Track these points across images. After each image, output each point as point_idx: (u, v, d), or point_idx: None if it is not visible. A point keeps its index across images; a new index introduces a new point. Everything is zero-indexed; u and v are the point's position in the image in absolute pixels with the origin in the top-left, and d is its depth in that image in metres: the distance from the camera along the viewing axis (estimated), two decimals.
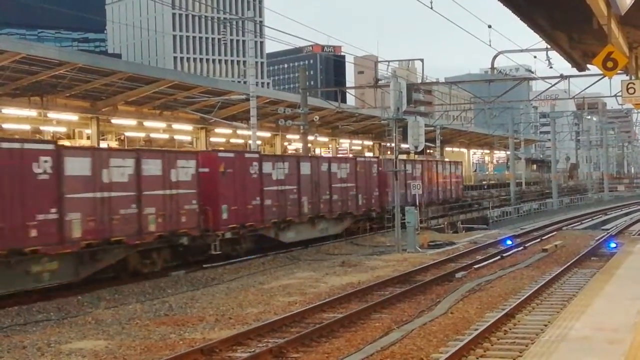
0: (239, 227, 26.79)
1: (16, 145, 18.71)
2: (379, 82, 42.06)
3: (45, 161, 18.90)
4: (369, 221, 37.24)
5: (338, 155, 45.65)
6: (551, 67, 37.92)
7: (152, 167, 22.65)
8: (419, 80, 63.84)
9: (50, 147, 19.70)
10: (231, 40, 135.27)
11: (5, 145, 18.33)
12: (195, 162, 24.68)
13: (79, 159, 20.08)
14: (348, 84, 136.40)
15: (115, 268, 22.05)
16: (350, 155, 44.21)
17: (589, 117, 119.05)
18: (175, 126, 45.38)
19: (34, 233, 18.38)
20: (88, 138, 39.65)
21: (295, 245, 30.65)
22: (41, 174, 18.75)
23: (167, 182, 23.13)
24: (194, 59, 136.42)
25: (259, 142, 44.93)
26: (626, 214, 58.54)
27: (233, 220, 26.34)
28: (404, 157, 49.81)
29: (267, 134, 53.17)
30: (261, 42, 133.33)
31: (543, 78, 42.10)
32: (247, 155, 29.08)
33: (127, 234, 21.45)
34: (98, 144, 37.27)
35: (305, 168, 31.78)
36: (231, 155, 28.17)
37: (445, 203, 49.95)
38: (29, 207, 18.36)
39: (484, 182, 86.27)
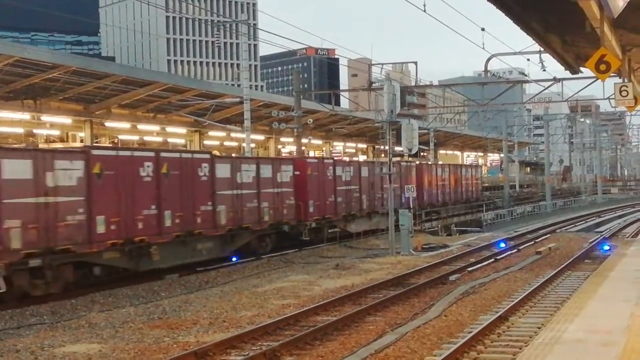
0: (321, 218, 33.25)
1: (189, 155, 25.99)
2: (373, 85, 42.06)
3: (205, 167, 25.66)
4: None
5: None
6: (544, 70, 38.03)
7: (266, 171, 29.44)
8: (413, 83, 63.97)
9: (208, 156, 26.52)
10: (225, 43, 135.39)
11: (184, 155, 25.64)
12: (292, 166, 31.40)
13: (223, 165, 26.86)
14: (342, 87, 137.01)
15: (241, 248, 28.12)
16: (398, 159, 48.12)
17: (582, 119, 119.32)
18: (169, 129, 45.33)
19: (199, 220, 25.12)
20: (82, 141, 39.55)
21: (358, 235, 36.28)
22: (202, 177, 25.52)
23: (275, 183, 29.97)
24: (188, 62, 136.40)
25: (253, 145, 44.89)
26: (620, 217, 58.62)
27: (316, 213, 32.84)
28: (424, 160, 53.42)
29: (261, 137, 53.14)
30: (255, 45, 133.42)
31: (536, 81, 42.14)
32: (325, 160, 36.40)
33: (252, 222, 28.26)
34: None
35: (365, 171, 38.02)
36: (315, 161, 35.78)
37: (467, 202, 56.16)
38: (196, 201, 25.00)
39: None
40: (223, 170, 26.50)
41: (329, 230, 34.06)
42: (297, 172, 31.43)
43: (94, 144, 35.80)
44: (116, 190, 21.51)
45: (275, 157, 41.11)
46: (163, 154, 24.18)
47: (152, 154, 23.71)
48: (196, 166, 25.20)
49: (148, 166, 22.91)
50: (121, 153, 22.58)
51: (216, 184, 25.97)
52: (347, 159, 53.66)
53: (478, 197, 59.07)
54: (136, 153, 23.29)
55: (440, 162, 60.58)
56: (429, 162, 55.99)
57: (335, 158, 42.78)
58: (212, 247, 25.92)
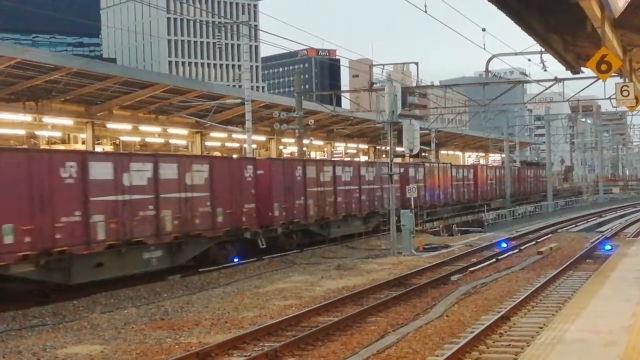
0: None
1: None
2: (374, 85, 42.10)
3: (347, 171, 36.61)
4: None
5: (441, 164, 56.68)
6: (545, 70, 38.03)
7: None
8: (414, 84, 63.87)
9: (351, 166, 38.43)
10: (226, 44, 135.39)
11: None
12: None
13: (367, 168, 38.62)
14: (343, 88, 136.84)
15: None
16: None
17: (584, 119, 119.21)
18: (171, 130, 45.29)
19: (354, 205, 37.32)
20: (83, 143, 39.55)
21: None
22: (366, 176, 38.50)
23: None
24: (189, 63, 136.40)
25: (254, 146, 44.86)
26: (621, 216, 58.58)
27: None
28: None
29: (263, 138, 53.11)
30: (256, 46, 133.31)
31: (537, 81, 42.14)
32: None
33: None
34: (93, 149, 37.23)
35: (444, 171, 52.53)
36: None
37: (529, 195, 77.42)
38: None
39: None
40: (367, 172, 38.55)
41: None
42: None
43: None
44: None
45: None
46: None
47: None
48: (358, 169, 38.78)
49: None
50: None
51: (362, 181, 37.70)
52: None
53: (544, 190, 79.39)
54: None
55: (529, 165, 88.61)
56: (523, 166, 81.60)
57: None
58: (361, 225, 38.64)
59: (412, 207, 33.85)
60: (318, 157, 60.41)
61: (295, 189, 31.08)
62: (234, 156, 37.68)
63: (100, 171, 21.04)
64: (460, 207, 56.15)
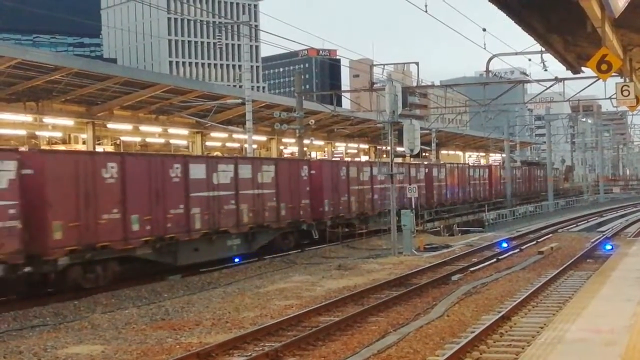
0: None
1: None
2: (375, 85, 42.08)
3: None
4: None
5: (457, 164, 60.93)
6: (546, 70, 38.01)
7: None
8: (415, 84, 63.93)
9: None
10: (226, 45, 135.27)
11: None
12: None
13: (399, 168, 35.74)
14: (343, 88, 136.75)
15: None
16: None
17: (584, 119, 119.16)
18: (171, 130, 45.30)
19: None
20: (84, 143, 39.56)
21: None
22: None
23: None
24: (190, 63, 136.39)
25: (254, 146, 44.87)
26: (622, 216, 58.55)
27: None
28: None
29: (263, 138, 53.11)
30: (256, 46, 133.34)
31: (538, 81, 42.12)
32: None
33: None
34: (94, 149, 37.25)
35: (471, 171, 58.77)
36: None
37: (538, 194, 79.01)
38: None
39: None
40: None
41: None
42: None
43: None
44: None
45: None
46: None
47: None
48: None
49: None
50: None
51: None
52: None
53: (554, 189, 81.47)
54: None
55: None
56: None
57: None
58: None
59: (413, 206, 33.84)
60: (318, 157, 60.41)
61: (340, 187, 34.73)
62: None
63: (197, 172, 25.19)
64: (477, 204, 58.74)
